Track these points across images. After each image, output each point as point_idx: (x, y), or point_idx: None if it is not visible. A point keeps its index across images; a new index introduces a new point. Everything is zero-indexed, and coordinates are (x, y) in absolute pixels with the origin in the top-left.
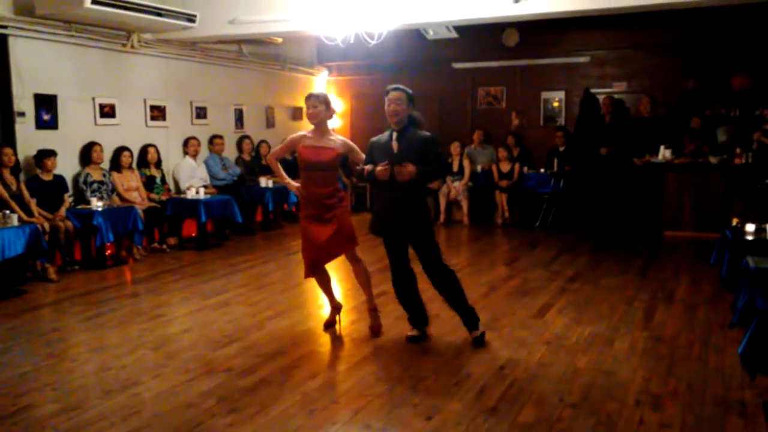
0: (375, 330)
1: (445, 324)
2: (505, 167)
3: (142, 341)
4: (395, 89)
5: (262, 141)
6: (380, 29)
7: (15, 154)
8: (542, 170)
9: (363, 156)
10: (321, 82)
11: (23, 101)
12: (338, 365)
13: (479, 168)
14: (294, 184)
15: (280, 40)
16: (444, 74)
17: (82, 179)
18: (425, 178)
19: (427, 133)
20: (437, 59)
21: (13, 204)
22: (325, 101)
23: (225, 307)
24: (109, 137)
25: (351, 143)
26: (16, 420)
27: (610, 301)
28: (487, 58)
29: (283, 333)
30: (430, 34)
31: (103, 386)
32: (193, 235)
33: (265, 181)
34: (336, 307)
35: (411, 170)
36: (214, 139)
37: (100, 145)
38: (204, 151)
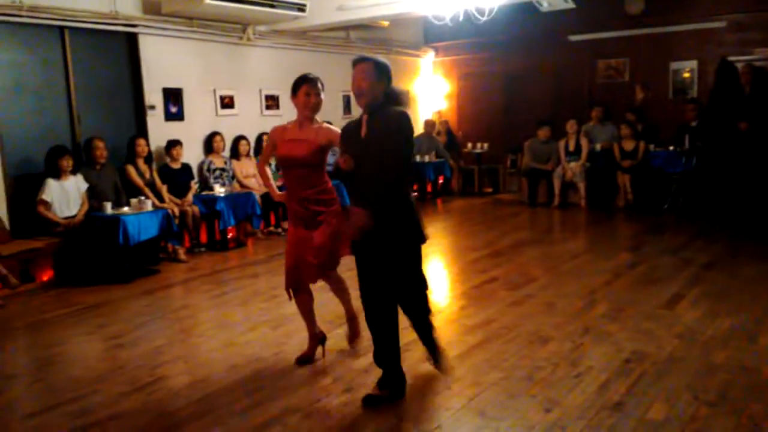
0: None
1: (562, 313)
2: (628, 145)
3: (263, 319)
4: (360, 60)
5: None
6: (491, 4)
7: (147, 144)
8: (671, 148)
9: None
10: (427, 64)
11: (153, 95)
12: (450, 351)
13: (598, 147)
14: (278, 192)
15: (386, 23)
16: (559, 48)
17: (205, 167)
18: (387, 198)
19: (399, 109)
20: (551, 32)
21: (147, 191)
22: (317, 86)
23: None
24: (229, 127)
25: (336, 131)
26: (153, 389)
27: (752, 291)
28: (607, 28)
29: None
30: (544, 6)
31: (229, 361)
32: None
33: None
34: (317, 337)
35: (362, 217)
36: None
37: (221, 134)
38: None
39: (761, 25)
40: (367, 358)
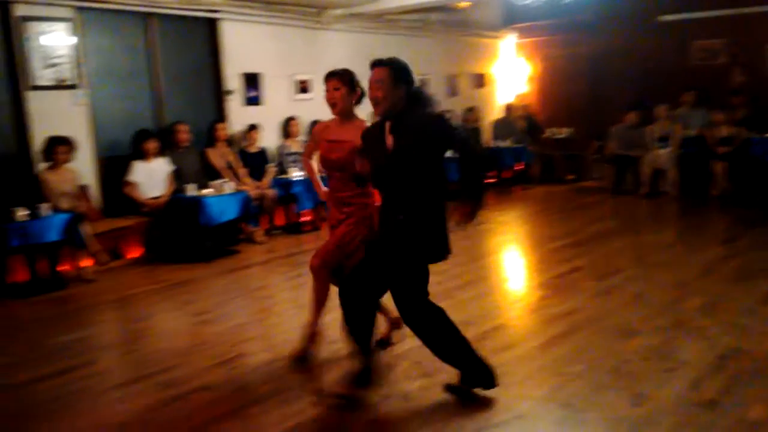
0: (301, 354)
1: (651, 305)
2: (724, 131)
3: (337, 303)
4: (376, 64)
5: (446, 111)
6: None
7: (227, 128)
8: None
9: None
10: (507, 46)
11: (232, 80)
12: (531, 341)
13: (691, 133)
14: (323, 189)
15: (466, 4)
16: (649, 29)
17: (282, 151)
18: (425, 187)
19: (434, 114)
20: (641, 12)
21: (227, 174)
22: (349, 81)
23: None
24: (305, 111)
25: None
26: (234, 365)
27: None
28: (703, 7)
29: (470, 303)
30: None
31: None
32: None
33: (448, 152)
34: (314, 336)
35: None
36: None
37: (297, 118)
38: None
39: None
40: None
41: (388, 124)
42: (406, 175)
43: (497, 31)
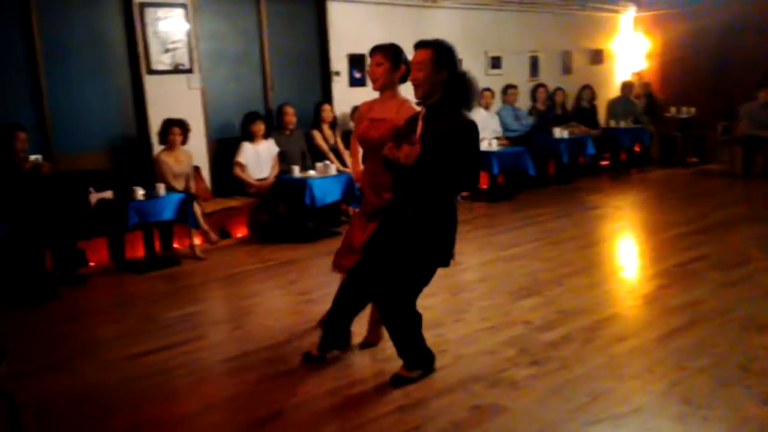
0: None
1: None
2: None
3: (442, 285)
4: (418, 46)
5: (558, 89)
6: None
7: (332, 110)
8: None
9: None
10: (627, 20)
11: (339, 62)
12: (649, 332)
13: None
14: (358, 169)
15: None
16: None
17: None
18: (440, 186)
19: (466, 120)
20: None
21: (331, 156)
22: (393, 57)
23: (519, 260)
24: (412, 92)
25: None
26: None
27: None
28: None
29: (583, 291)
30: None
31: None
32: (485, 187)
33: (559, 132)
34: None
35: (412, 151)
36: (507, 90)
37: (408, 101)
38: (497, 102)
39: None
40: (555, 332)
41: (423, 112)
42: (422, 170)
43: (616, 3)
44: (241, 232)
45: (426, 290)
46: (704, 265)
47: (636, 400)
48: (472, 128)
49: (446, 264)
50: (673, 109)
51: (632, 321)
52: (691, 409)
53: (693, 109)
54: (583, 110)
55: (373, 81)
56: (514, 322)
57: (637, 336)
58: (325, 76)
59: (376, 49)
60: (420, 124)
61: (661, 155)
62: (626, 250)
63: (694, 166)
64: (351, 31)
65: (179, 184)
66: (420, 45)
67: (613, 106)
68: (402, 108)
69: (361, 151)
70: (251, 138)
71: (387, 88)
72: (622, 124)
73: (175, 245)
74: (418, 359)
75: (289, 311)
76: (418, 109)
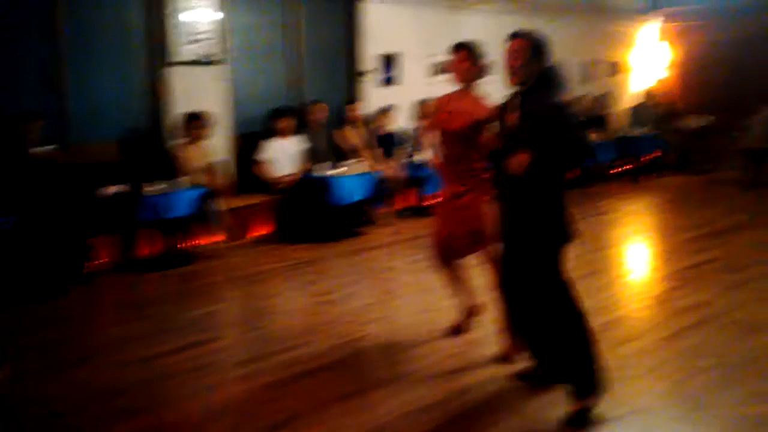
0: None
1: None
2: None
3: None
4: (514, 36)
5: (581, 96)
6: None
7: (362, 108)
8: None
9: None
10: (651, 31)
11: (370, 60)
12: (655, 333)
13: None
14: (436, 157)
15: None
16: None
17: (415, 133)
18: (546, 167)
19: (556, 101)
20: None
21: (360, 154)
22: (475, 55)
23: None
24: (441, 93)
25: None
26: (356, 347)
27: None
28: None
29: (594, 293)
30: None
31: (429, 326)
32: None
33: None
34: (470, 310)
35: (521, 162)
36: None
37: (431, 100)
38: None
39: None
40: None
41: (516, 100)
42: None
43: (643, 14)
44: (263, 230)
45: (445, 292)
46: (712, 267)
47: (640, 400)
48: (563, 107)
49: (567, 240)
50: (689, 118)
51: (641, 322)
52: (692, 409)
53: (708, 119)
54: (598, 117)
55: (456, 76)
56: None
57: (643, 337)
58: (356, 74)
59: (461, 47)
60: (515, 111)
61: (677, 162)
62: (638, 252)
63: (707, 173)
64: (384, 30)
65: (200, 179)
66: (516, 35)
67: (635, 113)
68: (479, 103)
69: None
70: (278, 134)
71: (467, 83)
72: (641, 131)
73: (193, 242)
74: (589, 378)
75: (308, 312)
76: (493, 104)
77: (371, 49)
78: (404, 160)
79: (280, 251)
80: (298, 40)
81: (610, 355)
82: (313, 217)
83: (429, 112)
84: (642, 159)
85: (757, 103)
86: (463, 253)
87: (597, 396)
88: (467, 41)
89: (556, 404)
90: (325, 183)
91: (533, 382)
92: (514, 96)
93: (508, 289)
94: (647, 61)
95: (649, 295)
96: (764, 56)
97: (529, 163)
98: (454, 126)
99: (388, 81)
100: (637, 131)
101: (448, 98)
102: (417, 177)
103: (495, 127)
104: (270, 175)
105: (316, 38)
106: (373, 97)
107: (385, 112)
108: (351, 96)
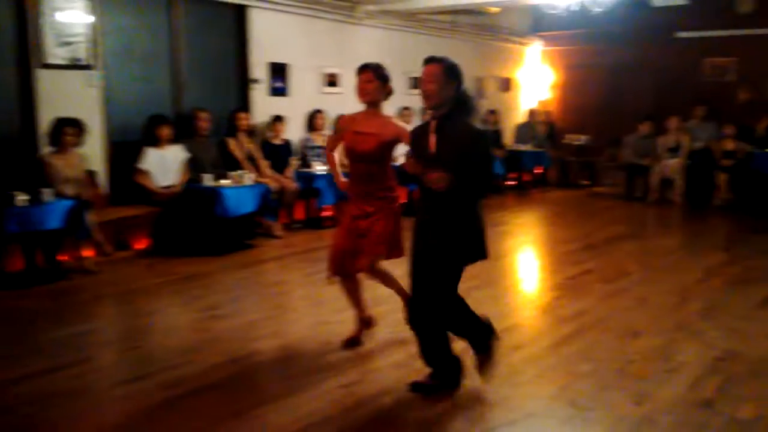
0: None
1: (655, 308)
2: (730, 145)
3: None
4: (429, 61)
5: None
6: None
7: (250, 118)
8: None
9: None
10: (533, 53)
11: (258, 69)
12: (542, 341)
13: (699, 145)
14: (342, 180)
15: (497, 10)
16: (665, 44)
17: (306, 144)
18: (462, 193)
19: (476, 127)
20: (660, 28)
21: (247, 165)
22: (381, 75)
23: None
24: (332, 105)
25: (403, 128)
26: (245, 363)
27: None
28: (716, 26)
29: (487, 303)
30: (657, 1)
31: (322, 339)
32: (404, 201)
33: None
34: (365, 321)
35: (443, 178)
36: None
37: (323, 112)
38: (416, 122)
39: None
40: (459, 344)
41: (433, 124)
42: (451, 184)
43: (524, 37)
44: (141, 244)
45: (338, 304)
46: (591, 278)
47: (528, 405)
48: (484, 135)
49: (478, 259)
50: (569, 136)
51: (529, 330)
52: (576, 411)
53: (586, 137)
54: (494, 132)
55: (363, 97)
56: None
57: (532, 345)
58: (244, 83)
59: (367, 67)
60: (432, 136)
61: (558, 177)
62: (526, 264)
63: (587, 188)
64: (273, 40)
65: (70, 190)
66: (431, 60)
67: (519, 130)
68: (387, 124)
69: (338, 160)
70: (156, 142)
71: (374, 104)
72: (526, 148)
73: (65, 257)
74: (446, 372)
75: (193, 329)
76: (402, 124)
77: (260, 57)
78: (295, 172)
79: (160, 266)
80: (179, 46)
81: (503, 363)
82: (198, 229)
83: (338, 127)
84: (528, 174)
85: (631, 123)
86: (363, 268)
87: (492, 344)
88: (372, 63)
89: (451, 416)
90: (211, 194)
91: (426, 393)
92: (430, 119)
93: (414, 306)
94: (532, 82)
95: (536, 305)
96: (637, 81)
97: (449, 182)
98: (363, 147)
99: (278, 91)
100: (522, 147)
101: (353, 118)
102: (309, 189)
103: (410, 151)
104: (150, 186)
105: (201, 45)
106: (263, 106)
107: (276, 122)
108: (240, 105)
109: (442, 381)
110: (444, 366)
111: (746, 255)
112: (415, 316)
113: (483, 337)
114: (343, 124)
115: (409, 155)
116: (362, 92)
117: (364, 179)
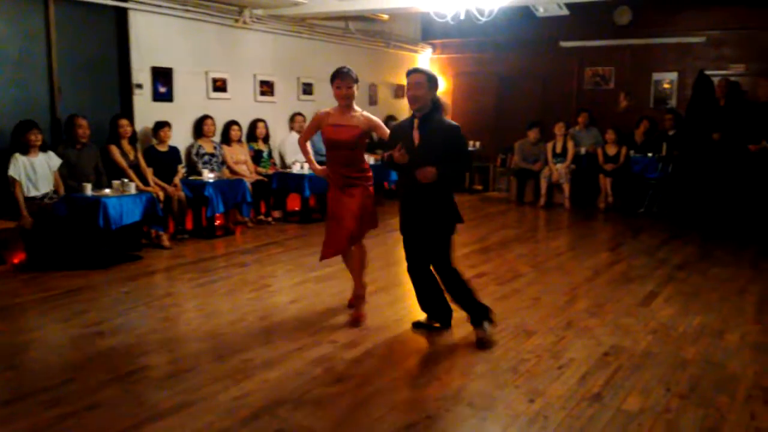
0: (356, 320)
1: (546, 307)
2: (612, 150)
3: (251, 309)
4: (414, 72)
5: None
6: (492, 5)
7: (132, 125)
8: (650, 155)
9: (388, 132)
10: (424, 60)
11: (141, 74)
12: (439, 343)
13: (583, 150)
14: (318, 167)
15: (386, 17)
16: (550, 53)
17: (194, 151)
18: (447, 178)
19: (453, 123)
20: (544, 38)
21: (130, 173)
22: (357, 80)
23: (328, 281)
24: (221, 111)
25: (375, 120)
26: (134, 379)
27: (720, 291)
28: (596, 36)
29: (385, 308)
30: (540, 12)
31: (216, 351)
32: (297, 209)
33: (366, 158)
34: (359, 297)
35: (431, 172)
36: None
37: (212, 118)
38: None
39: (737, 43)
40: (358, 349)
41: (416, 122)
42: (427, 164)
43: (415, 44)
44: (16, 258)
45: (233, 315)
46: (486, 280)
47: (427, 407)
48: (459, 129)
49: (461, 220)
50: None
51: (425, 333)
52: (473, 411)
53: (478, 143)
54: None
55: (342, 99)
56: (321, 341)
57: (428, 348)
58: (125, 88)
59: (341, 74)
60: (416, 131)
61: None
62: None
63: (479, 193)
64: (156, 44)
65: None
66: (415, 71)
67: None
68: (361, 117)
69: (311, 150)
70: (25, 149)
71: (348, 103)
72: None
73: None
74: (482, 313)
75: (75, 345)
76: (374, 117)
77: (143, 62)
78: (183, 180)
79: (37, 281)
80: (50, 49)
81: (402, 367)
82: (80, 241)
83: (314, 121)
84: None
85: (521, 129)
86: (345, 244)
87: (487, 323)
88: (351, 70)
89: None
90: (93, 204)
91: (427, 330)
92: (411, 118)
93: (413, 266)
94: None
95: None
96: (526, 88)
97: (435, 173)
98: (343, 137)
99: (163, 96)
100: None
101: (327, 113)
102: (198, 197)
103: (399, 145)
104: (17, 196)
105: (76, 48)
106: (146, 112)
107: (162, 128)
108: (122, 111)
109: (441, 322)
110: (437, 310)
111: (628, 255)
112: (414, 268)
113: (478, 311)
114: (318, 118)
115: (399, 148)
116: (339, 94)
117: (343, 164)
